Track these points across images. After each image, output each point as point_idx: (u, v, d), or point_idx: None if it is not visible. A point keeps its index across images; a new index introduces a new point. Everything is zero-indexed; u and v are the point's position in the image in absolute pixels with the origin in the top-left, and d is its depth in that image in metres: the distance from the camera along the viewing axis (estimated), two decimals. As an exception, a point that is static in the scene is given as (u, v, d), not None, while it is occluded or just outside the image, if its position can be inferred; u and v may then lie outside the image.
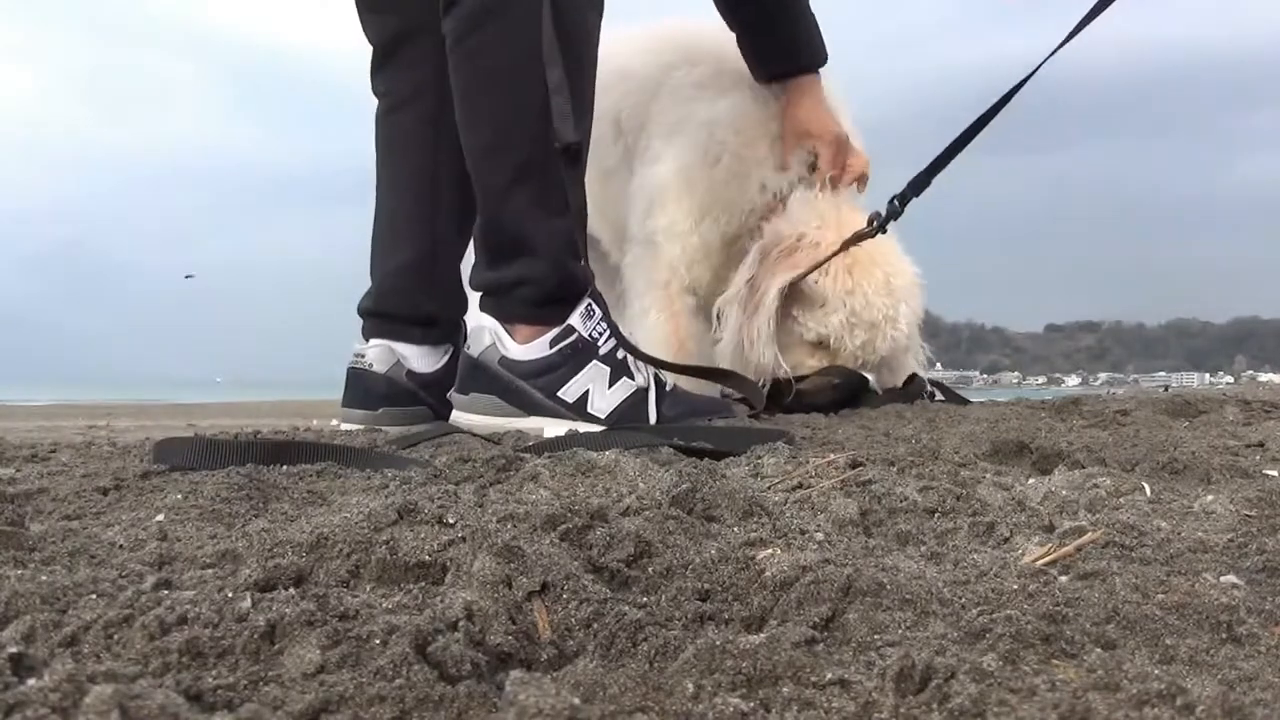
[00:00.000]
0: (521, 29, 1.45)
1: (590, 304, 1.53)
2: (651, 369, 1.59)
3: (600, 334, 1.52)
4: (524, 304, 1.55)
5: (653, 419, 1.50)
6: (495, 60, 1.50)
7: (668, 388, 1.58)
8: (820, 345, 2.22)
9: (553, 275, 1.53)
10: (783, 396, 2.18)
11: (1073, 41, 2.15)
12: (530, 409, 1.53)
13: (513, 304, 1.56)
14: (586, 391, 1.51)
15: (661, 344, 2.25)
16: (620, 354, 1.54)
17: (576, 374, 1.51)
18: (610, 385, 1.51)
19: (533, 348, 1.52)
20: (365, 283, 1.88)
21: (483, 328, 1.57)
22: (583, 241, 1.59)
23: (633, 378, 1.53)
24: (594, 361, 1.51)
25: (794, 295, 2.19)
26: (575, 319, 1.52)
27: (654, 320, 2.31)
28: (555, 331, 1.52)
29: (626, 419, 1.51)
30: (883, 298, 2.17)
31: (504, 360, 1.54)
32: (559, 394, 1.51)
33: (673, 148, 2.30)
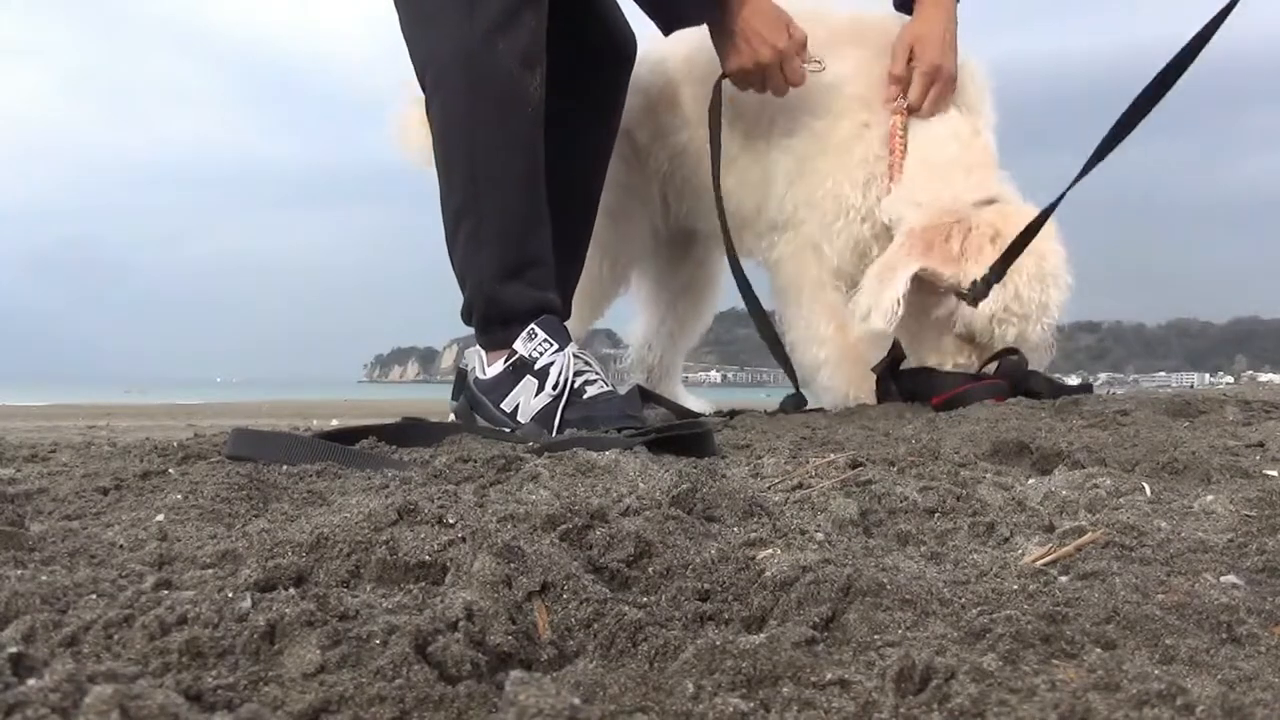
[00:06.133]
0: (450, 98, 1.83)
1: (534, 328, 1.79)
2: (568, 379, 1.75)
3: (540, 353, 1.78)
4: (478, 331, 1.87)
5: (557, 423, 1.70)
6: (437, 125, 1.86)
7: (585, 396, 1.73)
8: (968, 339, 2.14)
9: (480, 300, 1.83)
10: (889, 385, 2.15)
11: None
12: (488, 418, 1.83)
13: (477, 333, 1.88)
14: (519, 402, 1.77)
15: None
16: (539, 365, 1.76)
17: (514, 387, 1.78)
18: (535, 395, 1.76)
19: (493, 369, 1.83)
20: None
21: (474, 351, 1.90)
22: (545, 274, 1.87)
23: (545, 388, 1.77)
24: (527, 376, 1.77)
25: (937, 283, 2.10)
26: (518, 343, 1.79)
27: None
28: (505, 354, 1.82)
29: (539, 421, 1.73)
30: (1035, 286, 2.04)
31: (476, 380, 1.86)
32: (502, 405, 1.80)
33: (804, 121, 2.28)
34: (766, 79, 2.17)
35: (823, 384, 2.31)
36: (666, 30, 2.17)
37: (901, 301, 2.06)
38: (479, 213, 1.83)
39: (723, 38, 2.16)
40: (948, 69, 2.20)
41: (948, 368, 2.16)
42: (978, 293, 2.07)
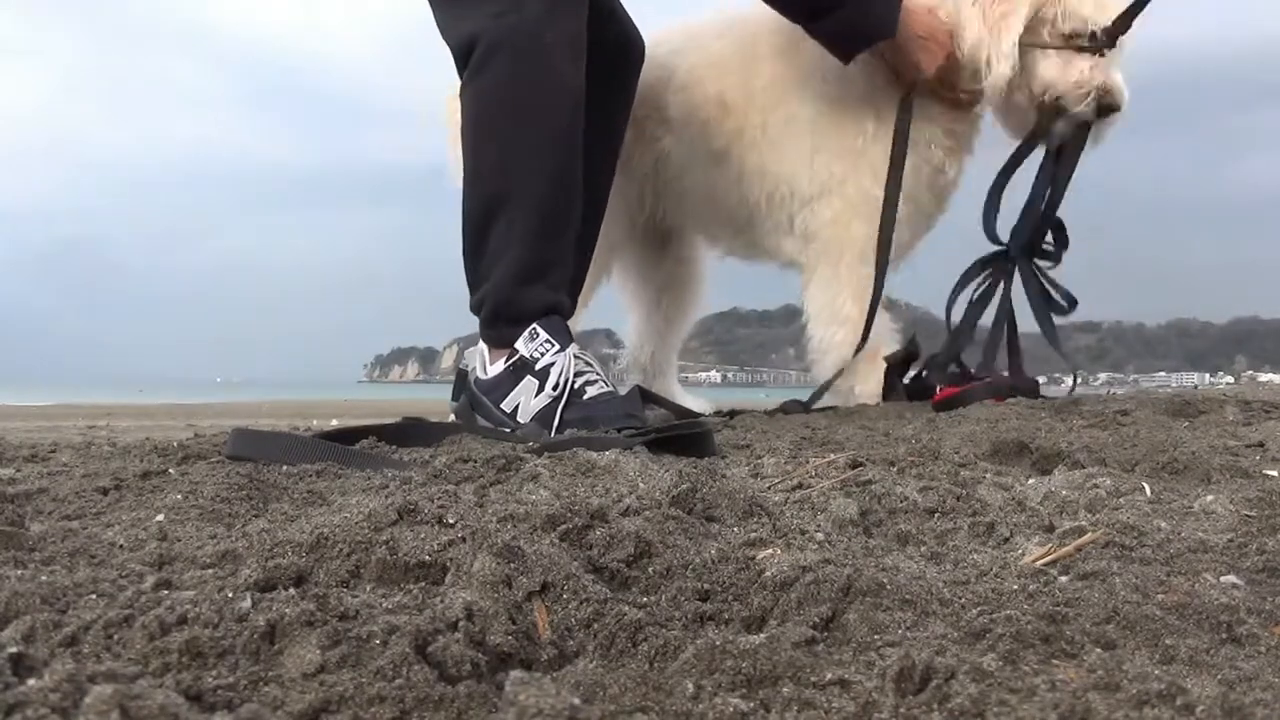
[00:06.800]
0: (492, 84, 1.78)
1: (535, 328, 1.77)
2: (569, 380, 1.75)
3: (542, 353, 1.76)
4: (484, 325, 1.84)
5: (556, 424, 1.69)
6: (472, 110, 1.82)
7: (585, 396, 1.72)
8: (1069, 39, 2.18)
9: (494, 298, 1.80)
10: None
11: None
12: (488, 418, 1.81)
13: (482, 327, 1.85)
14: (519, 402, 1.76)
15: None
16: (540, 366, 1.75)
17: (515, 387, 1.77)
18: (536, 395, 1.75)
19: (494, 368, 1.82)
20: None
21: (476, 350, 1.88)
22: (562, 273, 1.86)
23: (546, 388, 1.77)
24: (528, 376, 1.76)
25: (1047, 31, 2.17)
26: (520, 343, 1.78)
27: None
28: (506, 353, 1.80)
29: (539, 421, 1.72)
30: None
31: (476, 380, 1.85)
32: (502, 405, 1.78)
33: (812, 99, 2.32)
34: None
35: (832, 368, 2.30)
36: (847, 58, 2.19)
37: (1017, 46, 2.13)
38: (510, 209, 1.79)
39: (901, 50, 2.19)
40: (940, 42, 2.22)
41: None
42: (1102, 44, 2.12)
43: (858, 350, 2.24)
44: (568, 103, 1.80)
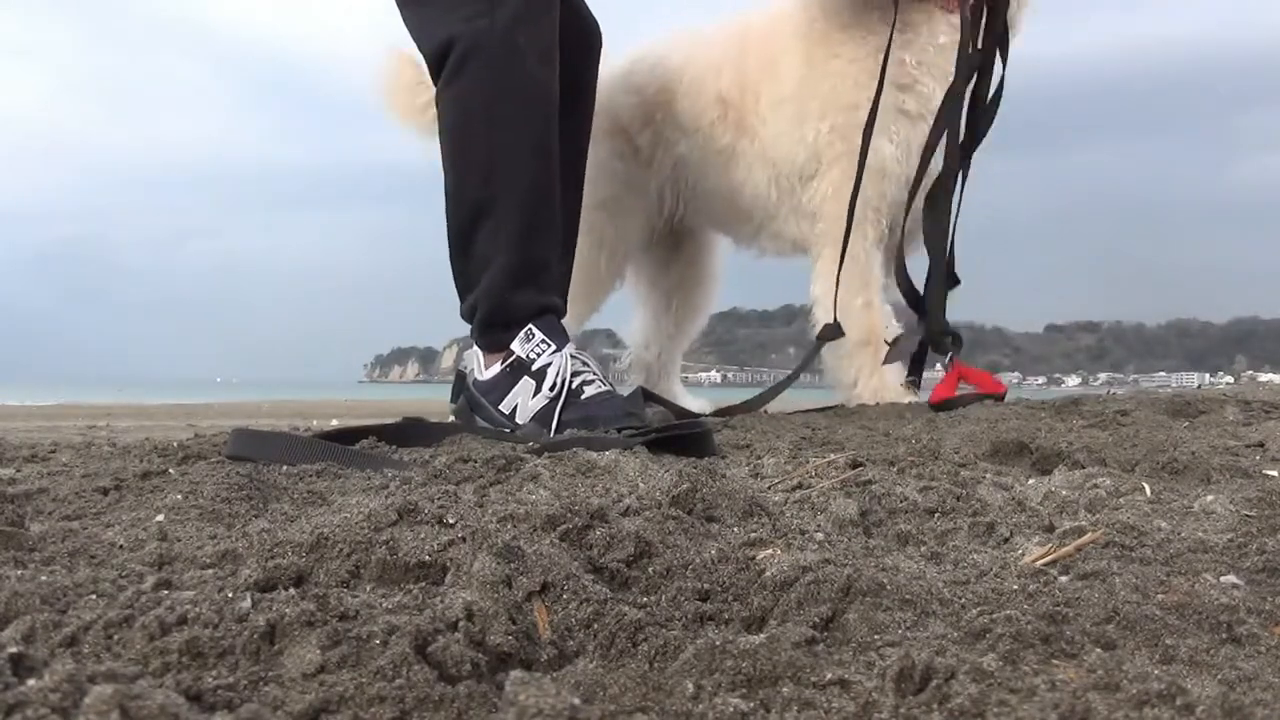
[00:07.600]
0: (469, 89, 1.78)
1: (531, 328, 1.78)
2: (566, 380, 1.75)
3: (538, 354, 1.77)
4: (478, 331, 1.85)
5: (554, 424, 1.69)
6: (451, 116, 1.82)
7: (583, 396, 1.72)
8: None
9: (487, 304, 1.81)
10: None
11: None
12: (487, 419, 1.82)
13: (476, 333, 1.86)
14: (517, 403, 1.77)
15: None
16: (537, 366, 1.76)
17: (512, 388, 1.78)
18: (533, 395, 1.75)
19: (490, 370, 1.83)
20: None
21: (472, 353, 1.90)
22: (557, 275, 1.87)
23: (543, 389, 1.77)
24: (525, 377, 1.77)
25: None
26: (516, 344, 1.79)
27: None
28: (502, 355, 1.81)
29: (537, 422, 1.73)
30: None
31: (474, 381, 1.86)
32: (500, 406, 1.79)
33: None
34: None
35: (832, 360, 2.29)
36: None
37: None
38: (496, 215, 1.79)
39: None
40: None
41: None
42: None
43: (834, 332, 2.19)
44: (543, 106, 1.81)
